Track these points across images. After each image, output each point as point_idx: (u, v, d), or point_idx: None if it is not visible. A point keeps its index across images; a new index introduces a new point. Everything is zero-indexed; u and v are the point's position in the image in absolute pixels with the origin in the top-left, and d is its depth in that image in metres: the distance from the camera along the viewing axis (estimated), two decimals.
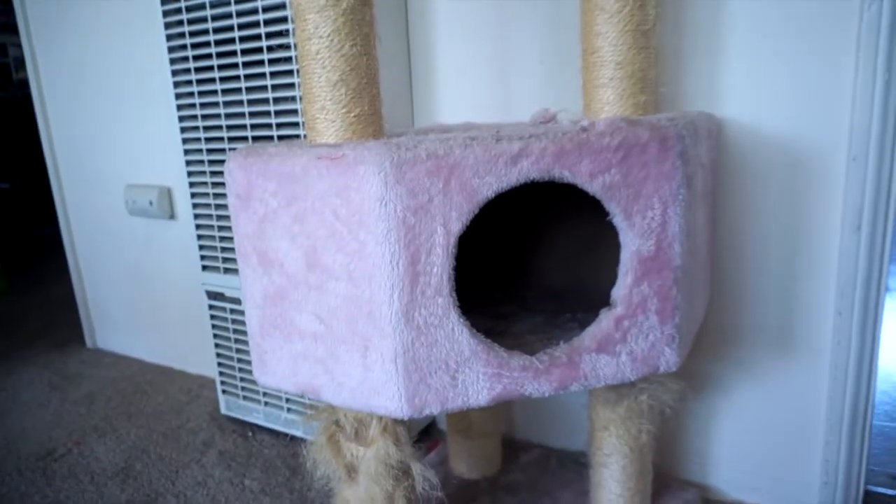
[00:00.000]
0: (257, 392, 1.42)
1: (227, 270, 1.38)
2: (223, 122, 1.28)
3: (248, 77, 1.21)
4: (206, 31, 1.23)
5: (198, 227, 1.40)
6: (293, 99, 1.16)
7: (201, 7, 1.22)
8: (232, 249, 1.34)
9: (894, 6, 0.86)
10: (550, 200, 1.06)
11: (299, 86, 0.77)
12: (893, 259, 1.16)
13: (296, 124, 1.18)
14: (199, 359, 1.72)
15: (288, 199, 0.70)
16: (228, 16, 1.19)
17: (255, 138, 1.24)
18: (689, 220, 0.77)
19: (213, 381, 1.60)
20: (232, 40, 1.20)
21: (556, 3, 1.07)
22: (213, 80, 1.26)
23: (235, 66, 1.22)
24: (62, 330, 2.15)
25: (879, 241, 0.94)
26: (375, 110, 0.75)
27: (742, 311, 1.05)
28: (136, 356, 1.93)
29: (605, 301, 0.75)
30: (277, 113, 1.19)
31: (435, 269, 0.66)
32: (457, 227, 0.66)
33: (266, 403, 1.41)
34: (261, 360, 0.80)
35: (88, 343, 2.03)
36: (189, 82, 1.30)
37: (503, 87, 1.16)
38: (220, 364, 1.47)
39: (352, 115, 0.73)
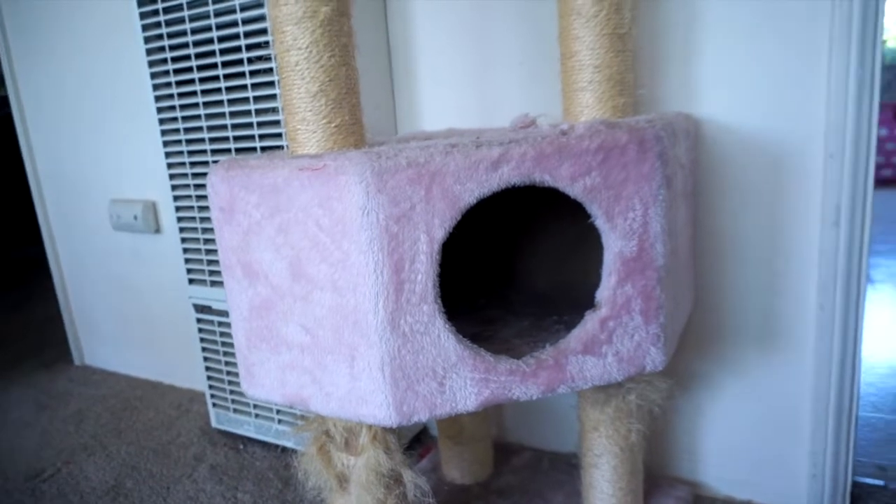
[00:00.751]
0: (247, 404, 1.41)
1: (213, 283, 1.37)
2: (206, 135, 1.27)
3: (229, 90, 1.21)
4: (186, 45, 1.23)
5: (183, 240, 1.39)
6: (275, 110, 1.16)
7: (181, 21, 1.22)
8: (218, 262, 1.33)
9: (864, 3, 0.87)
10: (533, 204, 1.07)
11: (280, 97, 0.77)
12: (874, 252, 1.18)
13: (278, 136, 1.18)
14: (188, 372, 1.71)
15: (271, 210, 0.71)
16: (208, 29, 1.19)
17: (238, 150, 1.24)
18: (671, 220, 0.78)
19: (202, 395, 1.59)
20: (212, 53, 1.20)
21: (534, 8, 1.08)
22: (194, 94, 1.26)
23: (216, 78, 1.22)
24: (49, 348, 2.13)
25: (858, 236, 0.95)
26: (356, 120, 0.76)
27: (726, 308, 1.06)
28: (125, 372, 1.91)
29: (590, 303, 0.76)
30: (260, 125, 1.19)
31: (419, 277, 0.67)
32: (440, 233, 0.67)
33: (257, 416, 1.41)
34: (248, 372, 0.80)
35: (76, 360, 2.01)
36: (170, 96, 1.30)
37: (484, 92, 1.17)
38: (209, 377, 1.46)
39: (332, 125, 0.73)
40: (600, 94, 0.83)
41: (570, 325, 0.77)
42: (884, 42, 1.28)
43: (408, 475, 0.81)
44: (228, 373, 1.42)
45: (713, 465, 1.14)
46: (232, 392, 1.43)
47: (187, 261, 1.40)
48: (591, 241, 0.77)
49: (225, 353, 1.41)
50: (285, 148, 1.16)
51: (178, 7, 1.21)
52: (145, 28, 1.27)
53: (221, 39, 1.18)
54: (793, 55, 0.93)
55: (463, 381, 0.71)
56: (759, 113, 0.97)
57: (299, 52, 0.71)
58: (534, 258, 1.11)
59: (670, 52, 1.00)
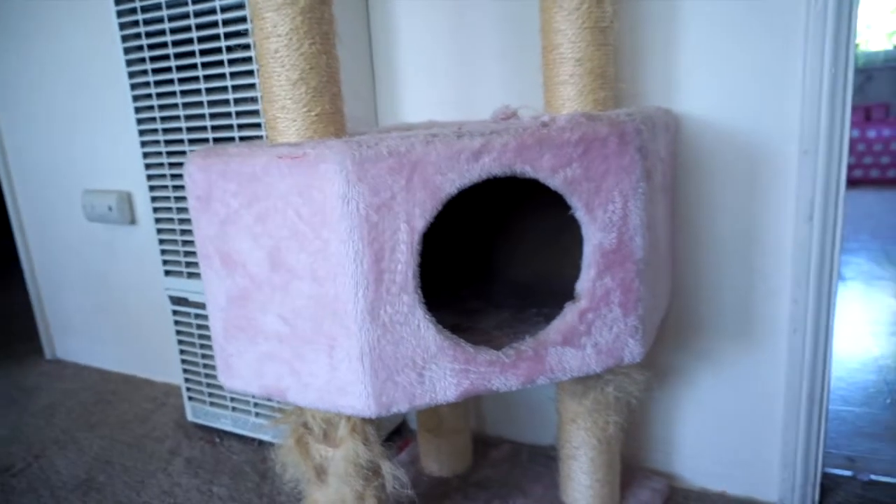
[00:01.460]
0: (224, 397, 1.40)
1: (190, 275, 1.35)
2: (183, 124, 1.25)
3: (207, 78, 1.19)
4: (163, 32, 1.21)
5: (159, 231, 1.37)
6: (254, 99, 1.15)
7: (157, 7, 1.20)
8: (195, 254, 1.31)
9: (839, 2, 0.89)
10: (514, 196, 1.07)
11: (260, 85, 0.76)
12: (844, 250, 1.20)
13: (258, 125, 1.16)
14: (163, 366, 1.68)
15: (249, 199, 0.70)
16: (186, 16, 1.17)
17: (216, 139, 1.22)
18: (650, 213, 0.78)
19: (178, 389, 1.57)
20: (190, 40, 1.18)
21: (516, 1, 1.08)
22: (171, 82, 1.24)
23: (194, 66, 1.20)
24: (19, 342, 2.08)
25: (830, 231, 0.97)
26: (337, 109, 0.75)
27: (702, 301, 1.08)
28: (98, 366, 1.87)
29: (570, 295, 0.76)
30: (238, 114, 1.18)
31: (399, 267, 0.66)
32: (420, 223, 0.66)
33: (234, 409, 1.39)
34: (226, 363, 0.79)
35: (48, 354, 1.97)
36: (147, 84, 1.27)
37: (466, 84, 1.16)
38: (185, 370, 1.44)
39: (313, 113, 0.72)
40: (581, 88, 0.83)
41: (549, 317, 0.77)
42: (856, 45, 1.31)
43: (386, 467, 0.81)
44: (205, 365, 1.40)
45: (688, 456, 1.15)
46: (209, 385, 1.41)
47: (163, 252, 1.38)
48: (571, 234, 0.78)
49: (202, 346, 1.39)
50: (264, 138, 1.15)
51: None
52: (120, 14, 1.24)
53: (199, 27, 1.16)
54: (769, 52, 0.94)
55: (443, 371, 0.71)
56: (737, 109, 0.98)
57: (279, 40, 0.70)
58: (514, 250, 1.12)
59: (651, 47, 1.01)
